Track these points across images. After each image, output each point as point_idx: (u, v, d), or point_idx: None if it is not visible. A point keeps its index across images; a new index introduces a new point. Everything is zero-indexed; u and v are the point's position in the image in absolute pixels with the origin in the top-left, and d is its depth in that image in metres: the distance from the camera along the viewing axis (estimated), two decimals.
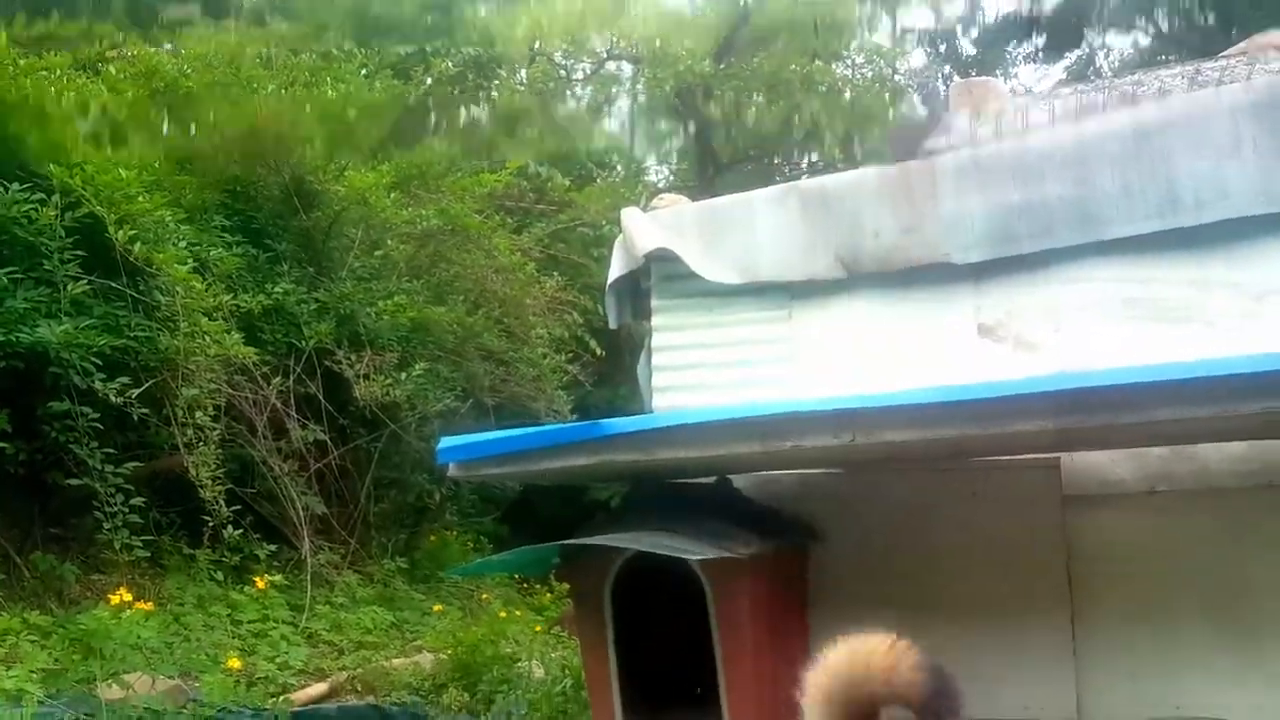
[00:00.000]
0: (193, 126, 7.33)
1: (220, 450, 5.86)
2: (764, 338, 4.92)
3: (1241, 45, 5.39)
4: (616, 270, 5.07)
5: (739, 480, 4.10)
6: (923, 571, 3.81)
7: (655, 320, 4.93)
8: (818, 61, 16.42)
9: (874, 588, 3.92)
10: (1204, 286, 4.19)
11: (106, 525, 5.21)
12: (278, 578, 6.24)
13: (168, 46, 8.36)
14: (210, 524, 5.73)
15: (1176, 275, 4.27)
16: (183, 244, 6.07)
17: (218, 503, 5.63)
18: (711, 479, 4.00)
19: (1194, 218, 4.28)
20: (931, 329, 4.82)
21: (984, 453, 3.74)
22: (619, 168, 17.51)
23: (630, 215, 5.12)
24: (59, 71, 6.47)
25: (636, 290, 5.24)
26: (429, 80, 9.98)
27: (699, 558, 3.14)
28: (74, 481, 5.25)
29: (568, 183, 12.08)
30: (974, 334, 4.82)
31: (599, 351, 10.27)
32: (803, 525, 4.01)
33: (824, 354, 4.96)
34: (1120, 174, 4.44)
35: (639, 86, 18.11)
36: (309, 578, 6.60)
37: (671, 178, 20.35)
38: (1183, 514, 3.76)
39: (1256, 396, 2.55)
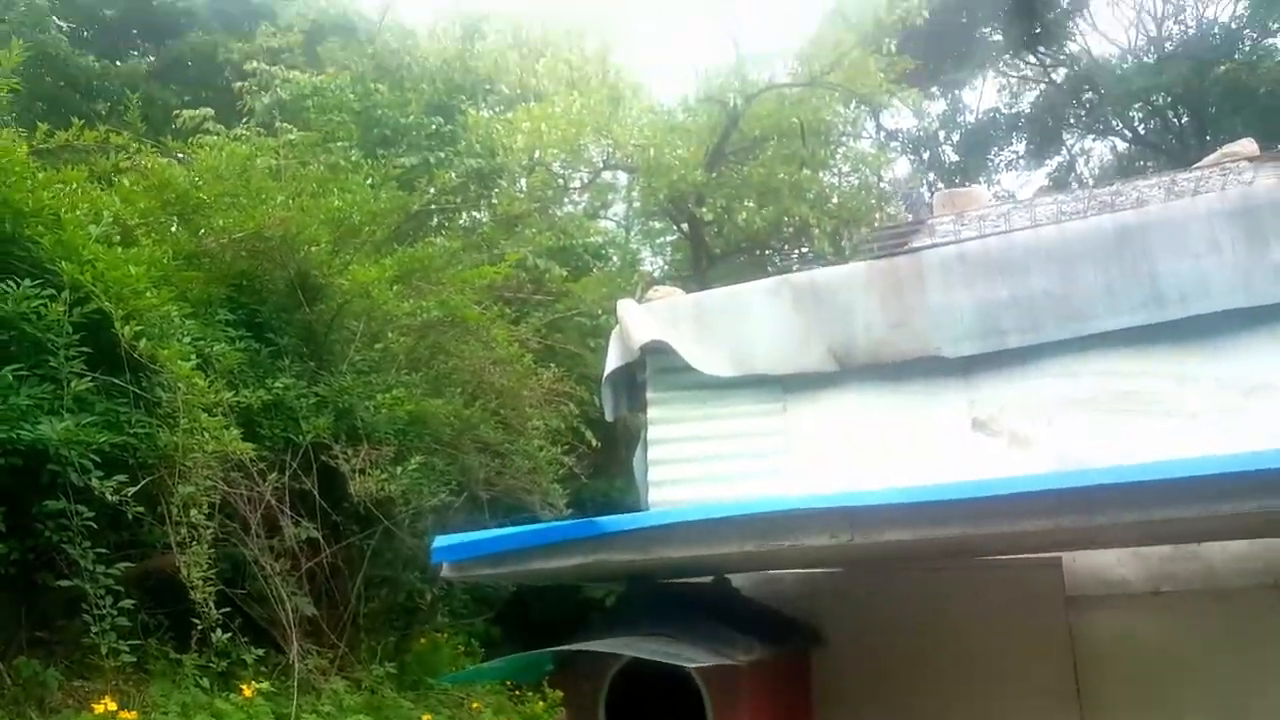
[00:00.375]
0: (202, 230, 7.50)
1: (212, 549, 5.79)
2: (759, 430, 4.96)
3: (1214, 156, 5.61)
4: (612, 362, 5.13)
5: (738, 579, 4.08)
6: (927, 673, 3.77)
7: (651, 412, 4.97)
8: (805, 170, 16.93)
9: (878, 690, 3.86)
10: (1189, 380, 4.26)
11: (94, 628, 5.10)
12: (264, 685, 6.09)
13: (180, 156, 8.59)
14: (199, 627, 5.63)
15: (1162, 369, 4.35)
16: (187, 339, 6.13)
17: (207, 605, 5.54)
18: (709, 578, 3.98)
19: (1178, 311, 4.39)
20: (925, 422, 4.87)
21: (985, 552, 3.73)
22: (615, 259, 17.80)
23: (626, 308, 5.20)
24: (75, 184, 6.64)
25: (632, 382, 5.29)
26: (432, 190, 10.23)
27: (697, 665, 3.06)
28: (64, 583, 5.17)
29: (565, 274, 12.26)
30: (967, 428, 4.87)
31: (595, 443, 10.26)
32: (804, 627, 3.97)
33: (819, 447, 4.98)
34: (1104, 271, 4.57)
35: (634, 193, 18.62)
36: (296, 685, 6.45)
37: (666, 268, 20.71)
38: (1188, 614, 3.74)
39: (1254, 495, 2.57)
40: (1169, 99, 23.81)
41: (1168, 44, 24.30)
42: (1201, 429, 4.18)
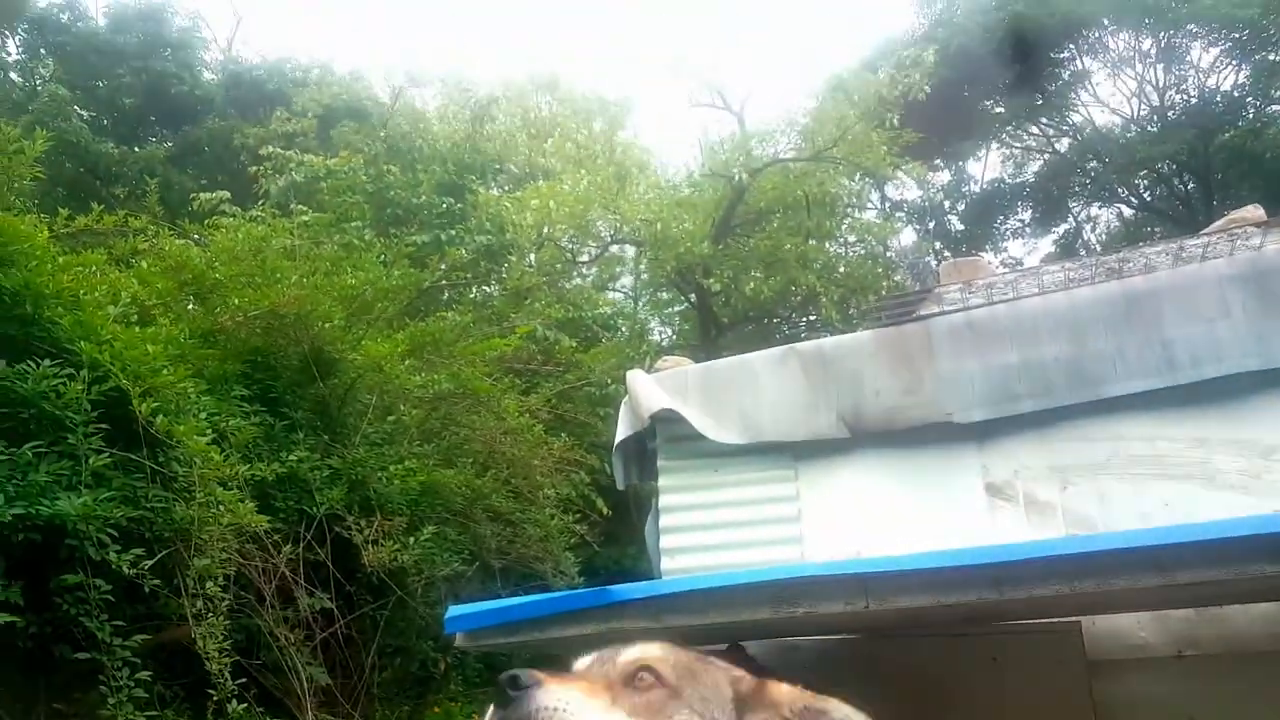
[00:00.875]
0: (218, 309, 7.65)
1: (228, 620, 5.79)
2: (771, 497, 4.96)
3: (1221, 222, 5.71)
4: (622, 431, 5.16)
5: (753, 647, 4.05)
6: None
7: (662, 481, 4.98)
8: (811, 241, 17.19)
9: None
10: (1205, 443, 4.27)
11: (111, 700, 5.09)
12: None
13: (197, 238, 8.81)
14: (215, 697, 5.59)
15: (1178, 432, 4.36)
16: (203, 415, 6.21)
17: (223, 675, 5.53)
18: (724, 645, 3.95)
19: (1191, 375, 4.42)
20: (939, 488, 4.87)
21: (1003, 617, 3.71)
22: (623, 330, 17.98)
23: (635, 377, 5.25)
24: (94, 267, 6.82)
25: (643, 451, 5.32)
26: (444, 266, 10.42)
27: None
28: (82, 655, 5.17)
29: (574, 345, 12.38)
30: (982, 493, 4.87)
31: (606, 511, 10.24)
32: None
33: (831, 513, 4.98)
34: (1115, 336, 4.61)
35: (642, 266, 18.90)
36: None
37: (674, 338, 20.87)
38: (1211, 678, 3.69)
39: (1277, 557, 2.56)
40: (1174, 166, 24.14)
41: (1171, 112, 24.71)
42: (1220, 492, 4.18)
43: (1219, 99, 23.53)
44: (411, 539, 7.41)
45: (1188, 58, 24.23)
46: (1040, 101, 25.54)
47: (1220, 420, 4.28)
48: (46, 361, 5.37)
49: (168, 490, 5.81)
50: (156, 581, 5.46)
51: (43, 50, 18.14)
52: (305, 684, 6.63)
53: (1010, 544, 3.04)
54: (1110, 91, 26.38)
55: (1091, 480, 4.50)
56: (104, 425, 5.45)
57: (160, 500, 5.73)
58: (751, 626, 3.44)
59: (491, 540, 8.92)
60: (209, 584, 5.64)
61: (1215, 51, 23.37)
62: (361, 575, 7.47)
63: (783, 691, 1.66)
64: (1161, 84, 25.01)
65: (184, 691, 6.21)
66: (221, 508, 5.85)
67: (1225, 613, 3.78)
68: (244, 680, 6.01)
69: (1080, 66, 25.66)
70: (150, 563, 5.43)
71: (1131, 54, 24.93)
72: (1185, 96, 24.75)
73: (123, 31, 18.69)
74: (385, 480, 7.86)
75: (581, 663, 1.59)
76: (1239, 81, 23.31)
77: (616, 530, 11.59)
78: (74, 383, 5.30)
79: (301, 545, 7.01)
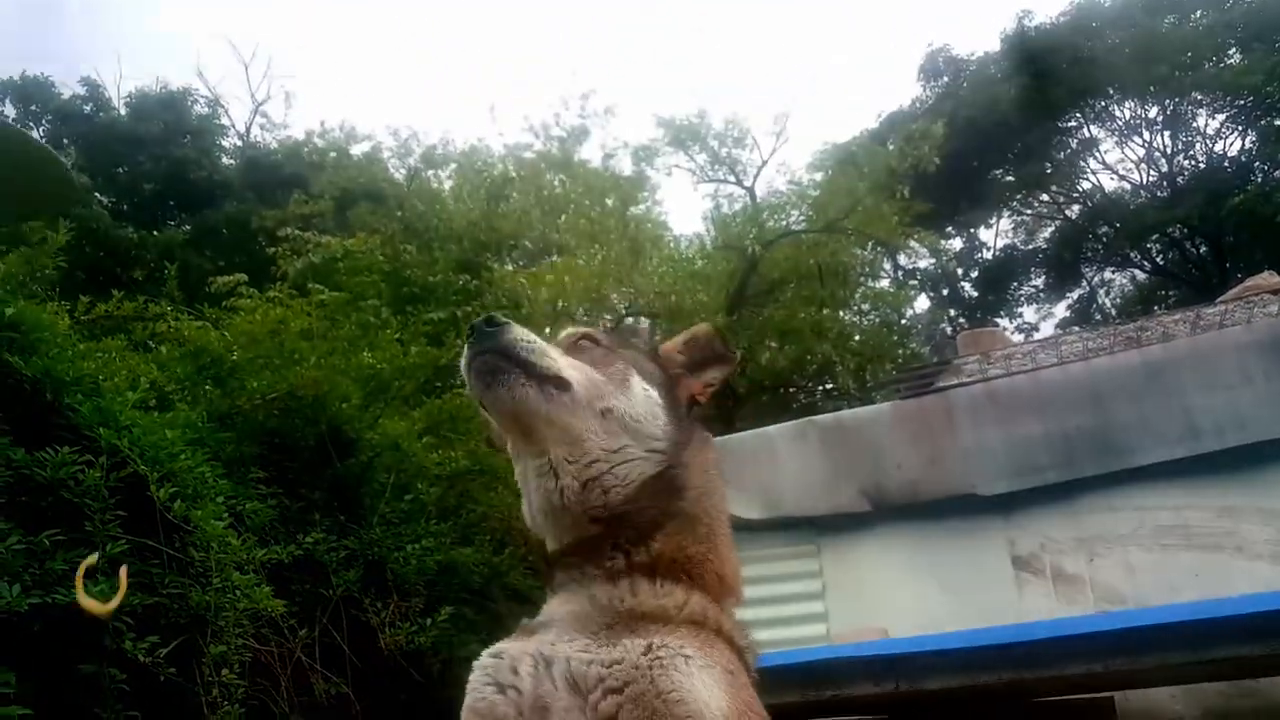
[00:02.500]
0: (236, 392, 7.68)
1: (243, 709, 5.68)
2: (794, 573, 4.91)
3: (1236, 289, 5.73)
4: None
5: None
6: None
7: None
8: (825, 310, 17.28)
9: None
10: (1233, 512, 4.20)
11: None
12: None
13: (214, 320, 8.91)
14: None
15: (1205, 501, 4.30)
16: (220, 499, 6.18)
17: None
18: None
19: (1215, 444, 4.38)
20: (965, 561, 4.79)
21: (1034, 694, 3.61)
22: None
23: None
24: (114, 352, 6.88)
25: None
26: (460, 343, 10.48)
27: None
28: None
29: None
30: (1009, 566, 4.79)
31: None
32: None
33: (856, 588, 4.90)
34: (1137, 406, 4.58)
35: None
36: None
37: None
38: None
39: None
40: (1185, 230, 24.24)
41: (1180, 178, 24.92)
42: (1249, 561, 4.10)
43: (1227, 163, 23.75)
44: (429, 620, 7.31)
45: (1194, 124, 24.56)
46: (1049, 170, 25.83)
47: (1247, 489, 4.23)
48: (65, 449, 5.37)
49: (184, 576, 5.76)
50: (172, 670, 5.38)
51: (65, 140, 18.67)
52: None
53: (1040, 622, 2.99)
54: (1118, 158, 26.70)
55: (1119, 552, 4.43)
56: (121, 512, 5.42)
57: (176, 586, 5.66)
58: (778, 710, 3.36)
59: (510, 620, 8.74)
60: (225, 671, 5.54)
61: (1221, 118, 23.66)
62: (377, 659, 7.35)
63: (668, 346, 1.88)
64: (1169, 150, 25.31)
65: None
66: (238, 592, 5.79)
67: (1261, 685, 3.68)
68: None
69: (1088, 135, 26.02)
70: (166, 650, 5.35)
71: (1138, 122, 25.27)
72: (1193, 162, 25.01)
73: (144, 119, 19.27)
74: (402, 560, 7.78)
75: None
76: (1245, 146, 23.57)
77: None
78: (93, 470, 5.30)
79: (318, 629, 6.92)
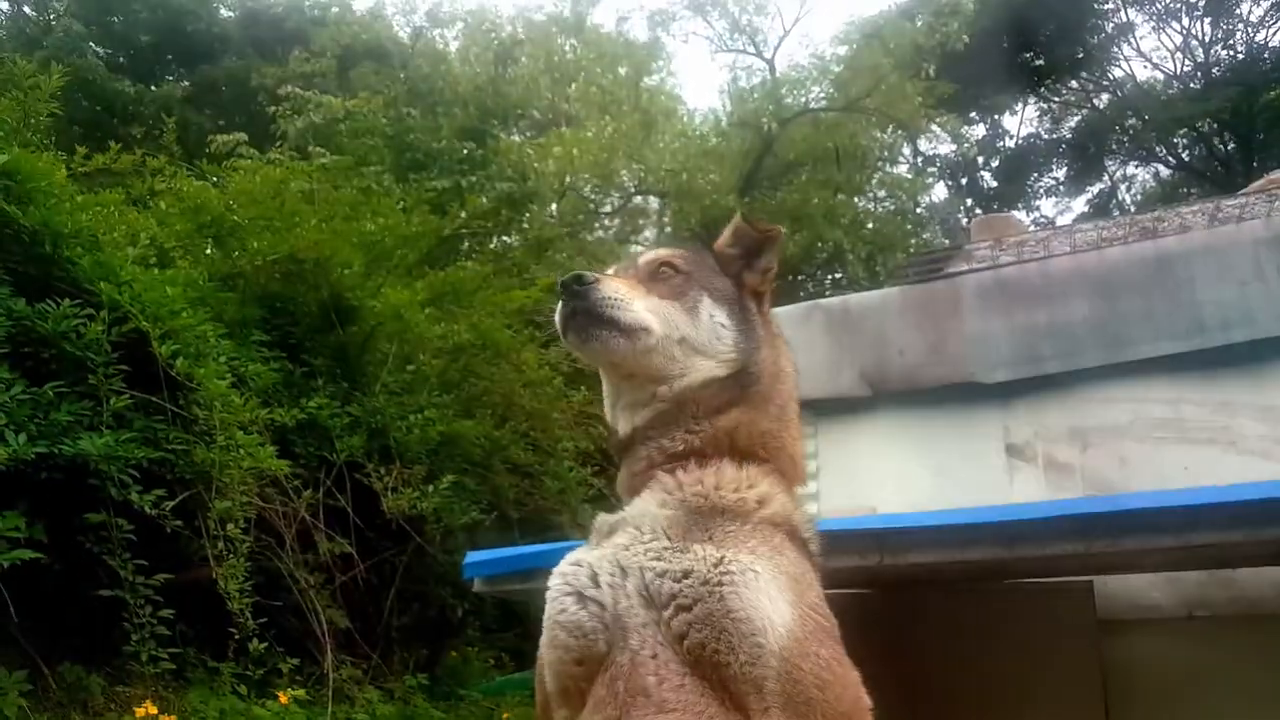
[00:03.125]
0: (236, 253, 7.63)
1: (248, 563, 5.86)
2: None
3: (1259, 183, 5.55)
4: None
5: None
6: (955, 694, 3.72)
7: None
8: (840, 196, 16.96)
9: (906, 712, 3.81)
10: (1229, 408, 4.20)
11: (134, 636, 5.17)
12: (300, 693, 6.14)
13: (215, 180, 8.77)
14: (236, 637, 5.69)
15: (1203, 397, 4.29)
16: (223, 359, 6.22)
17: (244, 615, 5.61)
18: None
19: (1219, 339, 4.34)
20: (959, 448, 4.83)
21: (1015, 575, 3.69)
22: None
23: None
24: (112, 207, 6.79)
25: None
26: (464, 214, 10.33)
27: None
28: (105, 593, 5.25)
29: None
30: (1002, 453, 4.83)
31: None
32: None
33: (850, 471, 4.96)
34: (1145, 298, 4.52)
35: (666, 219, 18.75)
36: (330, 694, 6.51)
37: None
38: (1221, 639, 3.68)
39: None
40: (1215, 125, 23.54)
41: (1216, 69, 24.04)
42: (1242, 457, 4.12)
43: (1266, 55, 22.85)
44: (430, 488, 7.46)
45: (1236, 10, 23.50)
46: (1081, 55, 24.92)
47: (1245, 385, 4.21)
48: (66, 301, 5.38)
49: (188, 433, 5.84)
50: (178, 523, 5.53)
51: None
52: (325, 626, 6.74)
53: (1024, 503, 3.01)
54: (1154, 45, 25.70)
55: (1112, 442, 4.45)
56: (124, 367, 5.47)
57: (181, 443, 5.76)
58: None
59: (509, 491, 8.97)
60: (230, 526, 5.70)
61: (1266, 4, 22.63)
62: (381, 522, 7.54)
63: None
64: (1208, 38, 24.31)
65: (205, 631, 6.33)
66: (242, 451, 5.89)
67: (1237, 576, 3.75)
68: (264, 620, 6.10)
69: (1125, 19, 24.97)
70: (172, 504, 5.49)
71: (1178, 6, 24.20)
72: (1232, 52, 24.07)
73: None
74: (405, 429, 7.90)
75: (611, 268, 1.98)
76: None
77: None
78: (94, 323, 5.31)
79: (322, 491, 7.08)
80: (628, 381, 1.85)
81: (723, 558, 1.56)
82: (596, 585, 1.62)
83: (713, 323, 1.84)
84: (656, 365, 1.80)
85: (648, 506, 1.73)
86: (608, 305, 1.77)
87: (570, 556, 1.71)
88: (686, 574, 1.56)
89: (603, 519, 1.77)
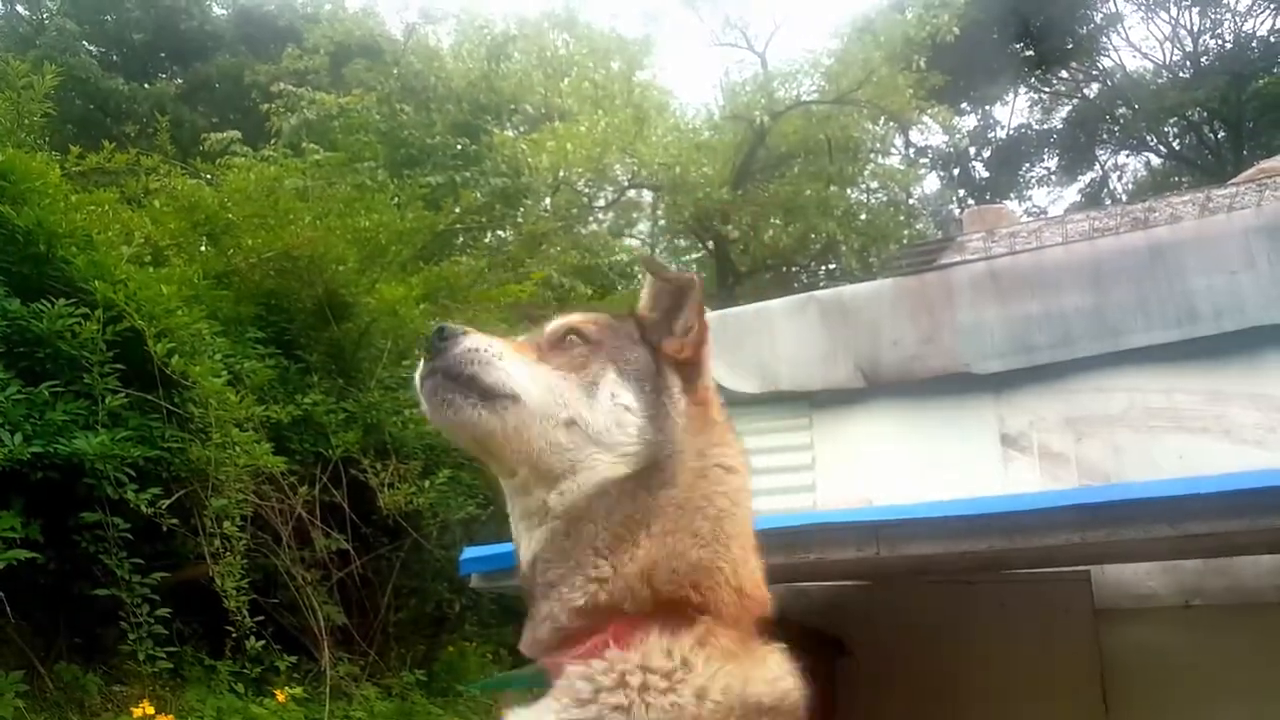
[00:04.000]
0: (231, 250, 7.62)
1: (245, 560, 5.86)
2: (785, 446, 4.96)
3: (1250, 171, 5.57)
4: None
5: None
6: (952, 685, 3.75)
7: None
8: (833, 187, 16.98)
9: (903, 703, 3.84)
10: (1222, 397, 4.22)
11: (131, 635, 5.17)
12: (298, 690, 6.14)
13: (209, 178, 8.74)
14: (233, 634, 5.69)
15: (1195, 385, 4.31)
16: (218, 356, 6.21)
17: (241, 613, 5.61)
18: None
19: (1211, 328, 4.36)
20: (954, 438, 4.85)
21: (1012, 566, 3.71)
22: (639, 277, 17.86)
23: None
24: (107, 206, 6.77)
25: None
26: (458, 209, 10.33)
27: None
28: (101, 592, 5.24)
29: (590, 292, 12.34)
30: (997, 444, 4.85)
31: None
32: (830, 638, 3.96)
33: (846, 463, 4.97)
34: (1137, 287, 4.54)
35: (659, 211, 18.75)
36: (328, 691, 6.51)
37: None
38: (1218, 628, 3.70)
39: None
40: (1205, 114, 23.59)
41: (1204, 58, 24.09)
42: (1236, 445, 4.14)
43: (1254, 45, 22.90)
44: (426, 483, 7.46)
45: (1224, 0, 23.56)
46: (1071, 45, 24.93)
47: (1238, 373, 4.23)
48: (61, 301, 5.36)
49: (184, 431, 5.84)
50: (174, 521, 5.51)
51: None
52: (322, 623, 6.74)
53: (1019, 494, 3.03)
54: (1143, 35, 25.75)
55: (1106, 432, 4.47)
56: (119, 365, 5.45)
57: (177, 440, 5.75)
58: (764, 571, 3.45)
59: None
60: (226, 523, 5.69)
61: None
62: (377, 518, 7.54)
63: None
64: (1196, 28, 24.36)
65: (202, 629, 6.32)
66: (238, 449, 5.88)
67: (1234, 564, 3.78)
68: (262, 618, 6.10)
69: (1114, 8, 25.02)
70: (168, 502, 5.48)
71: None
72: (1220, 42, 24.13)
73: None
74: (400, 424, 7.90)
75: (521, 336, 1.63)
76: (1276, 26, 22.67)
77: None
78: (89, 322, 5.30)
79: (318, 487, 7.07)
80: (508, 478, 1.48)
81: None
82: None
83: (613, 404, 1.45)
84: (534, 452, 1.41)
85: None
86: (467, 362, 1.41)
87: None
88: None
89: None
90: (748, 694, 1.29)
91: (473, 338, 1.44)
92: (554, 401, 1.43)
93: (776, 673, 1.36)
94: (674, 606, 1.33)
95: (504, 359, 1.44)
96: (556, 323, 1.58)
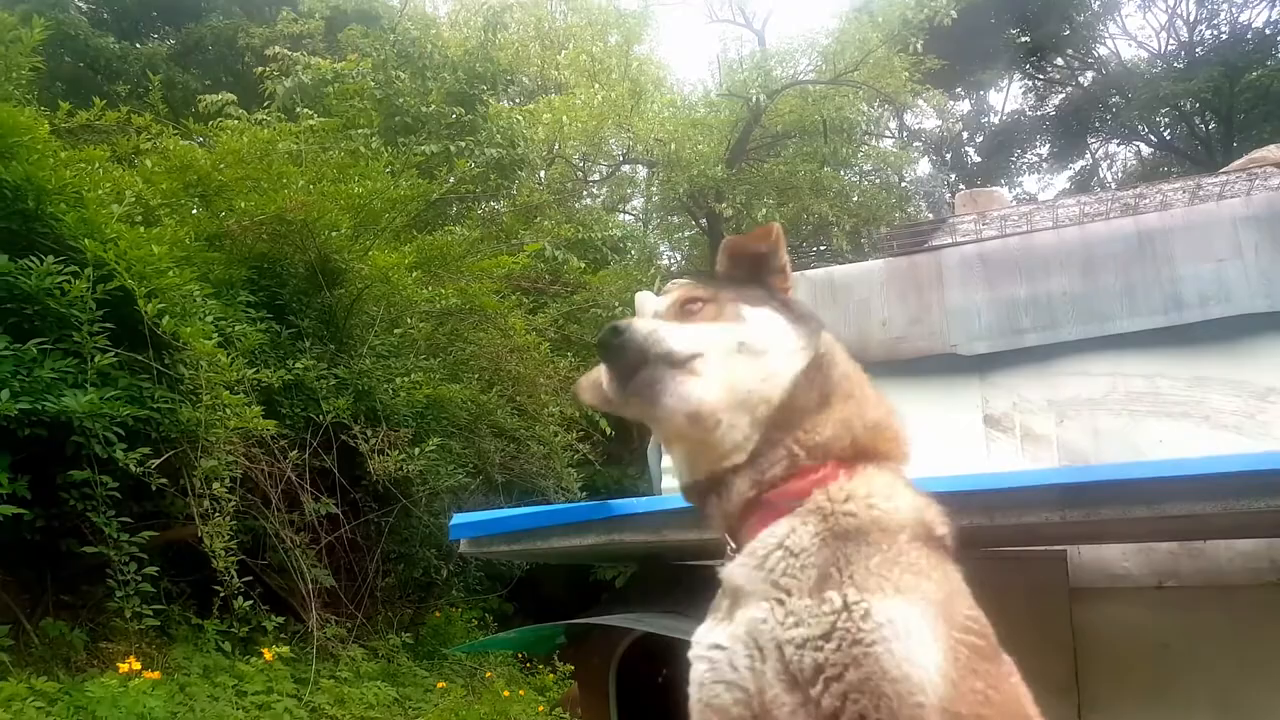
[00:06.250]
0: (223, 212, 7.59)
1: (234, 521, 5.89)
2: None
3: (1240, 161, 5.61)
4: None
5: None
6: None
7: None
8: (826, 168, 16.95)
9: None
10: (1203, 382, 4.29)
11: (118, 593, 5.20)
12: (284, 650, 6.20)
13: (201, 140, 8.68)
14: (220, 594, 5.73)
15: (1179, 371, 4.38)
16: (209, 318, 6.21)
17: (229, 573, 5.65)
18: (720, 562, 4.03)
19: (1196, 315, 4.42)
20: (938, 418, 4.91)
21: (990, 544, 3.77)
22: (633, 252, 17.85)
23: (643, 299, 5.25)
24: (97, 164, 6.73)
25: None
26: (452, 179, 10.29)
27: None
28: (89, 549, 5.26)
29: (583, 266, 12.34)
30: (980, 424, 4.92)
31: (609, 431, 10.34)
32: None
33: None
34: (1125, 273, 4.59)
35: (653, 188, 18.69)
36: (315, 651, 6.58)
37: (683, 263, 20.75)
38: (1191, 609, 3.78)
39: (1265, 494, 2.58)
40: (1197, 105, 23.61)
41: (1199, 49, 24.07)
42: (1215, 431, 4.21)
43: (1249, 36, 22.90)
44: (416, 450, 7.51)
45: None
46: (1067, 32, 24.87)
47: (1221, 360, 4.29)
48: (50, 258, 5.34)
49: (174, 392, 5.85)
50: (163, 480, 5.54)
51: None
52: (310, 585, 6.80)
53: (998, 473, 3.07)
54: (1139, 24, 25.69)
55: (1088, 415, 4.54)
56: (109, 324, 5.45)
57: (166, 401, 5.76)
58: None
59: (495, 455, 9.04)
60: (215, 485, 5.72)
61: None
62: (367, 483, 7.59)
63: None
64: (1192, 18, 24.33)
65: (190, 588, 6.37)
66: (228, 411, 5.90)
67: (1208, 547, 3.85)
68: (250, 579, 6.15)
69: None
70: (157, 462, 5.50)
71: None
72: (1215, 32, 24.10)
73: None
74: (391, 392, 7.93)
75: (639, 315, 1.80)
76: (1271, 18, 22.67)
77: (618, 450, 11.74)
78: (79, 280, 5.29)
79: (308, 452, 7.11)
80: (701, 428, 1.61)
81: (868, 609, 1.37)
82: (736, 670, 1.46)
83: (765, 325, 1.66)
84: (733, 386, 1.59)
85: (775, 540, 1.51)
86: (652, 344, 1.57)
87: (705, 638, 1.54)
88: (828, 636, 1.38)
89: (728, 578, 1.57)
90: (925, 515, 1.58)
91: (639, 326, 1.61)
92: (723, 343, 1.61)
93: (934, 507, 1.64)
94: (864, 452, 1.61)
95: (672, 331, 1.61)
96: (671, 296, 1.76)
